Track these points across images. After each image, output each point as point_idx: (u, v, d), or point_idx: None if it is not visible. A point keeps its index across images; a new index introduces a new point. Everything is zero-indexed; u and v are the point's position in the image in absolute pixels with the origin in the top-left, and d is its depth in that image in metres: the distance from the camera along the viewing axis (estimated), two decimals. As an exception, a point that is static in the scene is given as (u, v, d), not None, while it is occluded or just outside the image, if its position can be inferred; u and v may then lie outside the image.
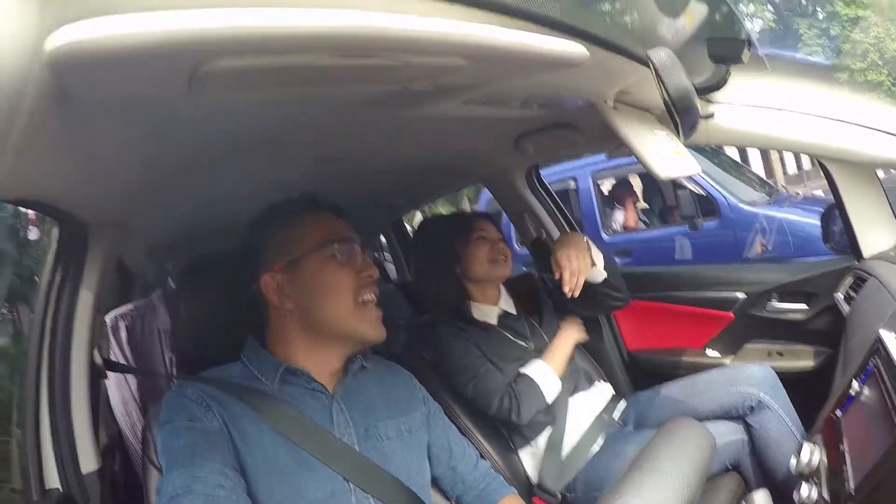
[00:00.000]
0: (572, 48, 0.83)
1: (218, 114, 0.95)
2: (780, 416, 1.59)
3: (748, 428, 1.62)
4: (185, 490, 0.89)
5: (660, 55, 1.01)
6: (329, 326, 1.12)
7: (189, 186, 1.43)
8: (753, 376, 1.67)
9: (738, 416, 1.64)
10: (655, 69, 1.01)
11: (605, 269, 1.74)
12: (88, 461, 1.29)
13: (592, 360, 2.10)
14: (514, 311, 1.89)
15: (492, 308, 1.85)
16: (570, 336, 1.83)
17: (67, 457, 1.26)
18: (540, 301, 1.95)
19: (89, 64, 0.56)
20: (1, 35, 0.50)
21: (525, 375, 1.67)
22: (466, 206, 11.95)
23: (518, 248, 5.14)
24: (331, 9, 0.60)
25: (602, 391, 1.86)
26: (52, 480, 1.25)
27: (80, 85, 0.62)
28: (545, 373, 1.68)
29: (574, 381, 1.80)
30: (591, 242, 1.70)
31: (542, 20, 0.83)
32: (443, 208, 9.27)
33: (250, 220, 1.21)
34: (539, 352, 1.78)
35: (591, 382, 1.85)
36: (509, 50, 0.76)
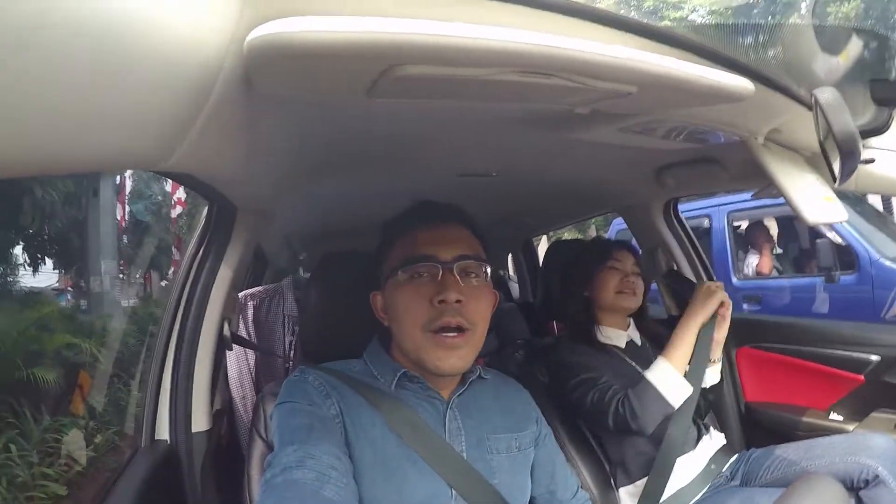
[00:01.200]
0: (739, 83, 0.81)
1: (378, 120, 0.99)
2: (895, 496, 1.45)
3: (859, 502, 1.49)
4: (299, 464, 0.92)
5: (826, 95, 0.96)
6: (405, 350, 1.11)
7: (332, 184, 1.51)
8: (876, 448, 1.52)
9: (851, 487, 1.50)
10: (822, 109, 0.96)
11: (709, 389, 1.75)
12: (200, 422, 1.39)
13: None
14: (639, 343, 1.85)
15: (620, 333, 1.83)
16: (691, 322, 1.64)
17: (182, 414, 1.36)
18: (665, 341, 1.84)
19: (285, 58, 0.60)
20: (202, 27, 0.56)
21: (644, 380, 1.57)
22: (593, 234, 11.80)
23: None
24: (524, 29, 0.62)
25: (713, 440, 1.75)
26: (163, 433, 1.36)
27: (270, 77, 0.66)
28: (666, 373, 1.57)
29: (687, 433, 1.67)
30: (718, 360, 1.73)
31: (711, 55, 0.82)
32: (569, 235, 9.18)
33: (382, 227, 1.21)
34: None
35: (697, 441, 1.74)
36: (681, 80, 0.75)
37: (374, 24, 0.58)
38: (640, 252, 2.34)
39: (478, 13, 0.66)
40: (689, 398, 1.60)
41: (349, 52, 0.59)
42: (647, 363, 1.71)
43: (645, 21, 0.72)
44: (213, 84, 0.61)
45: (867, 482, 1.48)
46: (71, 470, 4.20)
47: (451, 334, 1.05)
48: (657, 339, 1.84)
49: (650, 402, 1.53)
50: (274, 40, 0.58)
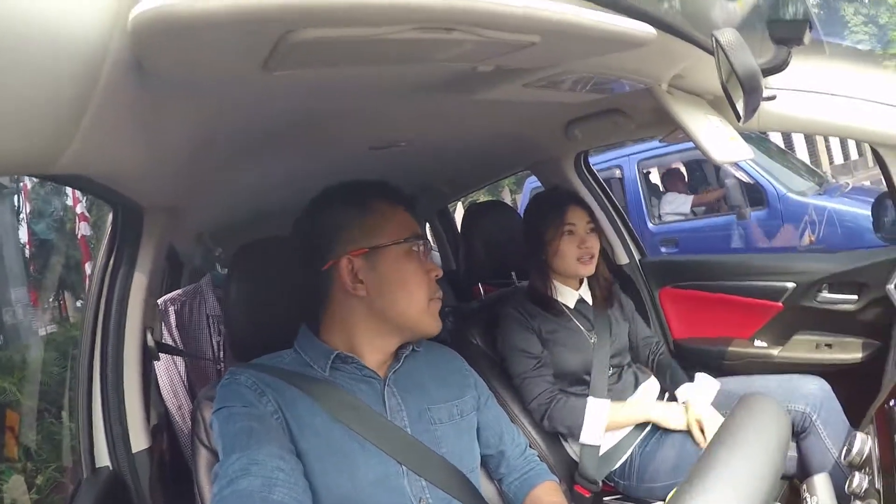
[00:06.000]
0: (641, 28, 0.83)
1: (279, 98, 0.96)
2: (825, 448, 1.56)
3: (798, 449, 1.60)
4: (244, 472, 0.90)
5: (727, 36, 0.99)
6: (397, 318, 1.12)
7: (240, 171, 1.45)
8: (809, 394, 1.62)
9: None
10: (723, 50, 0.99)
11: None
12: (139, 440, 1.32)
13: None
14: (589, 301, 1.87)
15: (572, 292, 1.84)
16: (648, 414, 1.69)
17: (119, 436, 1.29)
18: (613, 297, 1.93)
19: (174, 33, 0.55)
20: (82, 5, 0.51)
21: (580, 407, 1.64)
22: (507, 195, 11.96)
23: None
24: None
25: (648, 389, 1.82)
26: (103, 459, 1.29)
27: (160, 57, 0.62)
28: (598, 419, 1.62)
29: (619, 391, 1.76)
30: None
31: (610, 2, 0.82)
32: (484, 198, 9.24)
33: (321, 198, 1.18)
34: (601, 346, 1.77)
35: (636, 386, 1.81)
36: (582, 27, 0.75)
37: None
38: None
39: None
40: (602, 350, 1.75)
41: (242, 20, 0.56)
42: (591, 323, 1.80)
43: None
44: (100, 70, 0.57)
45: (804, 429, 1.57)
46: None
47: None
48: (607, 297, 1.90)
49: (568, 422, 1.64)
50: (159, 13, 0.53)
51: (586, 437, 1.62)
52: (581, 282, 1.87)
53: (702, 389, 1.71)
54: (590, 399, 1.64)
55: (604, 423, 1.62)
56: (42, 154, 0.61)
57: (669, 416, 1.65)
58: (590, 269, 1.79)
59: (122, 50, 0.57)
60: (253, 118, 1.06)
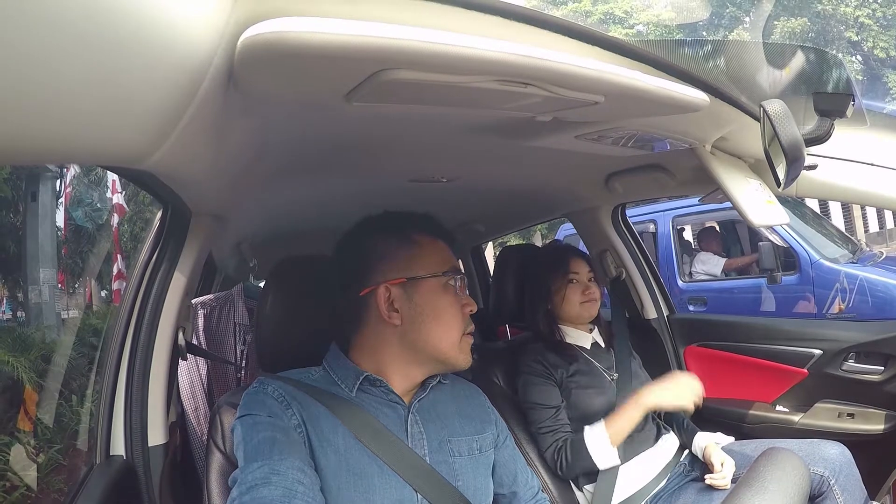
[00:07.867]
0: (697, 95, 0.86)
1: (334, 122, 0.99)
2: None
3: None
4: (265, 481, 0.91)
5: (774, 106, 1.01)
6: (430, 349, 1.12)
7: (287, 188, 1.49)
8: (829, 458, 1.59)
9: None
10: (770, 119, 1.01)
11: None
12: (156, 435, 1.35)
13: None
14: (602, 344, 1.91)
15: (584, 335, 1.89)
16: (640, 403, 1.64)
17: (137, 427, 1.32)
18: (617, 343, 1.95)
19: (280, 58, 0.60)
20: (194, 22, 0.55)
21: (581, 440, 1.64)
22: (538, 239, 11.91)
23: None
24: (501, 40, 0.65)
25: (667, 446, 1.80)
26: (118, 448, 1.31)
27: (257, 78, 0.66)
28: (601, 441, 1.62)
29: (640, 441, 1.75)
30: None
31: (669, 68, 0.85)
32: (515, 240, 9.20)
33: (364, 225, 1.21)
34: (623, 384, 1.79)
35: (657, 439, 1.80)
36: (644, 91, 0.79)
37: (370, 28, 0.58)
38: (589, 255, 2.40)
39: (458, 23, 0.68)
40: (624, 388, 1.76)
41: (344, 54, 0.60)
42: (609, 362, 1.83)
43: (610, 35, 0.75)
44: (201, 82, 0.61)
45: (821, 493, 1.54)
46: (15, 491, 4.00)
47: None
48: (612, 341, 1.95)
49: (580, 461, 1.63)
50: (270, 39, 0.57)
51: (602, 462, 1.62)
52: (591, 328, 1.92)
53: (717, 438, 1.74)
54: (585, 429, 1.64)
55: (607, 441, 1.61)
56: (138, 151, 0.65)
57: (663, 397, 1.64)
58: (593, 311, 1.86)
59: (222, 66, 0.61)
60: (305, 138, 1.10)
